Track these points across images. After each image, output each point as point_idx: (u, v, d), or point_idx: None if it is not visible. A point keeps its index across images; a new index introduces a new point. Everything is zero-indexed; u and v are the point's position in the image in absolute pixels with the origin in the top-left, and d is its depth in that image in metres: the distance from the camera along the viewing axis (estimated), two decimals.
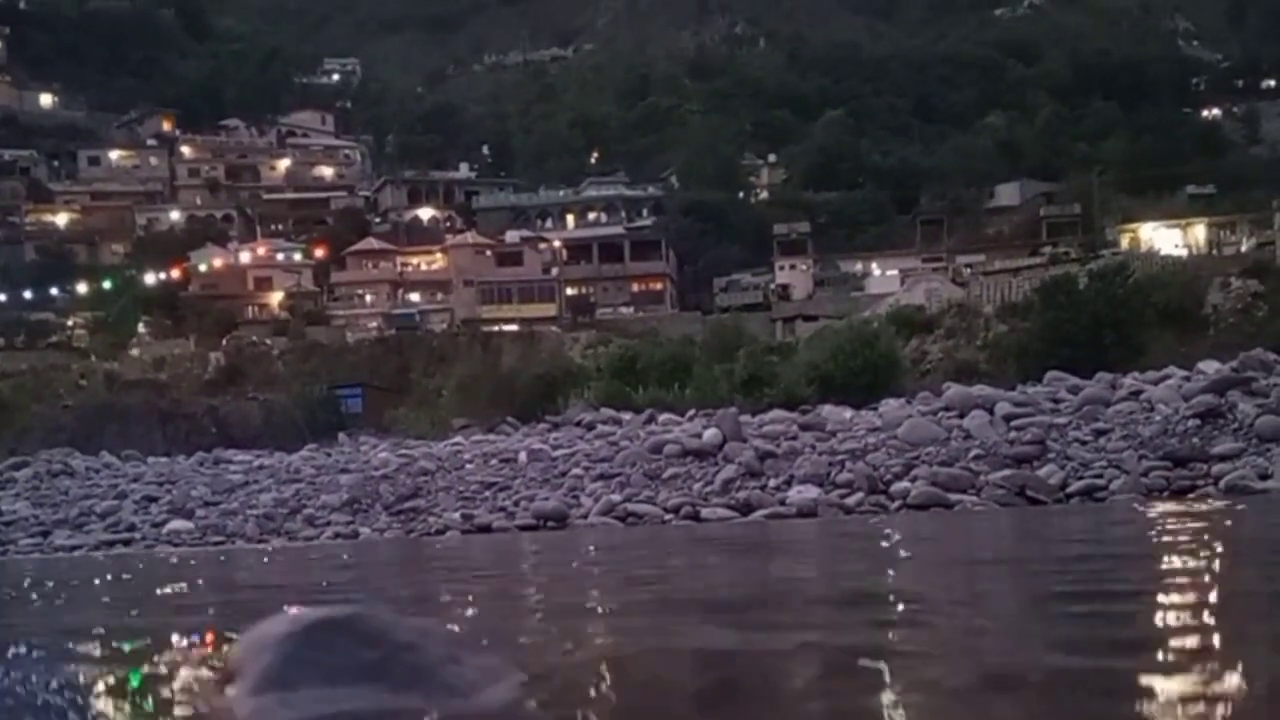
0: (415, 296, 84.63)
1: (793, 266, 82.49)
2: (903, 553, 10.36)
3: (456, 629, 4.25)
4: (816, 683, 3.60)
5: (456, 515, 23.25)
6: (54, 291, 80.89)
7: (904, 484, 20.58)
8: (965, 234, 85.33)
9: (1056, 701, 3.09)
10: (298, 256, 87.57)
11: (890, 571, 8.43)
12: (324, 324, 77.90)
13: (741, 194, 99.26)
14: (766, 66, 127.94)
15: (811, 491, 21.13)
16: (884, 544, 11.38)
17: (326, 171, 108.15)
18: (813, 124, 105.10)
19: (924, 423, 23.75)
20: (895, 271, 77.52)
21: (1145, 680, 3.19)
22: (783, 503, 21.04)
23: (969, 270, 73.72)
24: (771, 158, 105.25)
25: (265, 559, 17.02)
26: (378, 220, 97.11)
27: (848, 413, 27.90)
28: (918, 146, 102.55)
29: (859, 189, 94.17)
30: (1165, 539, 10.24)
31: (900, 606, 5.79)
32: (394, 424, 49.54)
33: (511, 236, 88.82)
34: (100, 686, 4.28)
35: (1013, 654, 3.98)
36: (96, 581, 13.15)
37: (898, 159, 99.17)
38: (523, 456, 27.26)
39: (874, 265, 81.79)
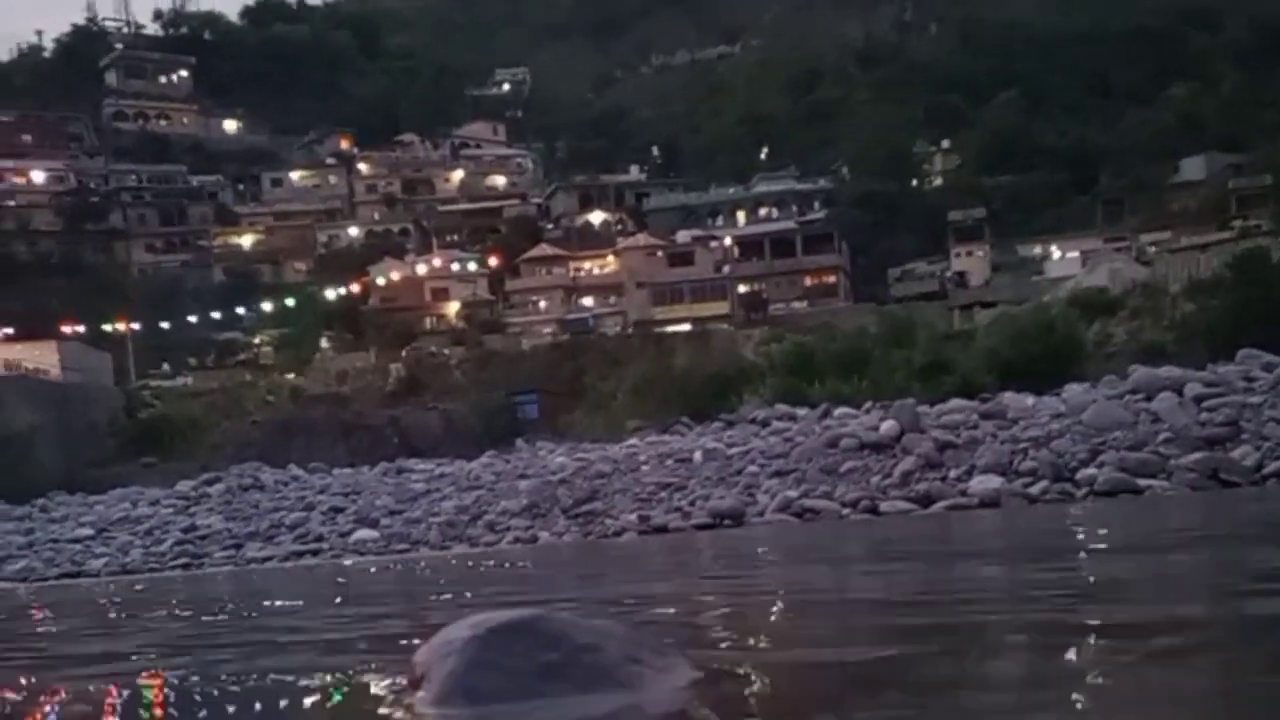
0: (588, 300, 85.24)
1: (969, 253, 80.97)
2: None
3: (637, 629, 4.30)
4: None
5: (633, 517, 23.48)
6: (241, 311, 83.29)
7: (1090, 470, 20.17)
8: (1148, 212, 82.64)
9: None
10: (473, 266, 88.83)
11: None
12: (500, 332, 78.92)
13: (914, 182, 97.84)
14: (936, 51, 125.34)
15: (994, 481, 20.84)
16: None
17: (499, 181, 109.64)
18: (985, 107, 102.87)
19: (1110, 407, 23.19)
20: (1076, 253, 75.43)
21: None
22: (964, 494, 20.80)
23: (1153, 249, 71.40)
24: (944, 144, 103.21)
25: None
26: (550, 226, 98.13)
27: (1029, 399, 27.37)
28: (1095, 124, 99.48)
29: (1035, 171, 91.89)
30: None
31: None
32: (569, 428, 50.15)
33: (682, 236, 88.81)
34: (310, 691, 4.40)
35: None
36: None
37: (1075, 138, 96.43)
38: (698, 456, 27.38)
39: (1053, 248, 79.72)
